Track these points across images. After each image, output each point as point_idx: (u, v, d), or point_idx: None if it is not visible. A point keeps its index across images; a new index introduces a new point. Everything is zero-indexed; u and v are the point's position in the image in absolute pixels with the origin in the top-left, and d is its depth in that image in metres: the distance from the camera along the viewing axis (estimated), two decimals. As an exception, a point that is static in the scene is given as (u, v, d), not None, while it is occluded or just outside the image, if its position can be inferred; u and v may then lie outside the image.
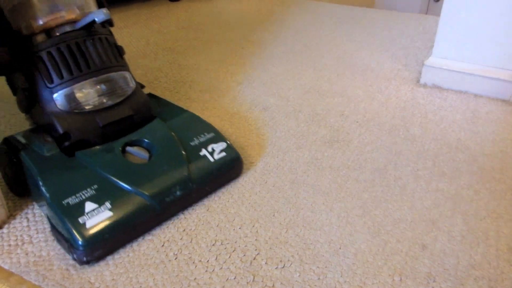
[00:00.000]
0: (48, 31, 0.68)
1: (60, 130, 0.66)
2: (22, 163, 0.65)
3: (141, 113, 0.74)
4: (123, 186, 0.62)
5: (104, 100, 0.69)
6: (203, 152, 0.71)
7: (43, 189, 0.60)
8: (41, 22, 0.67)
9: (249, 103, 1.02)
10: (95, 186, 0.61)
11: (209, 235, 0.64)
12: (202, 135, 0.74)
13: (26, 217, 0.67)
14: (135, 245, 0.62)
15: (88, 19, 0.67)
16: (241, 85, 1.11)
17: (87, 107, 0.68)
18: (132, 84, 0.74)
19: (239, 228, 0.65)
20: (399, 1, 2.31)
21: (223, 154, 0.72)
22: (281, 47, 1.37)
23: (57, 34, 0.68)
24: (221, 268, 0.58)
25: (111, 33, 0.76)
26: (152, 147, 0.69)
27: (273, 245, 0.62)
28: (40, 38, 0.68)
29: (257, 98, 1.04)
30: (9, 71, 0.69)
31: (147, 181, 0.64)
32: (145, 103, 0.75)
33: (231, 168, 0.74)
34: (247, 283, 0.56)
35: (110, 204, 0.60)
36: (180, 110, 0.81)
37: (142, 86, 0.78)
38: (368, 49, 1.35)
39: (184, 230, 0.64)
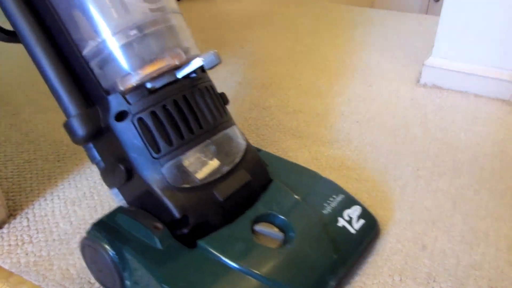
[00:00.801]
0: (145, 84, 0.52)
1: (176, 213, 0.50)
2: (125, 260, 0.49)
3: (258, 176, 0.59)
4: (269, 283, 0.48)
5: (219, 167, 0.54)
6: (341, 222, 0.57)
7: None
8: (141, 75, 0.51)
9: (249, 103, 1.02)
10: None
11: (209, 235, 0.63)
12: (332, 199, 0.60)
13: (26, 217, 0.67)
14: (135, 245, 0.62)
15: (194, 66, 0.53)
16: (241, 85, 1.11)
17: (201, 179, 0.53)
18: (243, 141, 0.59)
19: (239, 228, 0.65)
20: (399, 1, 2.31)
21: (362, 221, 0.59)
22: (281, 47, 1.37)
23: (158, 87, 0.52)
24: (221, 268, 0.58)
25: (209, 79, 0.60)
26: (283, 221, 0.55)
27: (273, 245, 0.62)
28: (139, 95, 0.51)
29: (257, 98, 1.04)
30: (99, 136, 0.53)
31: (296, 272, 0.50)
32: (259, 163, 0.61)
33: (373, 237, 0.61)
34: (247, 283, 0.56)
35: None
36: (293, 166, 0.67)
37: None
38: (368, 49, 1.35)
39: (184, 230, 0.64)
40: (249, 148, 0.59)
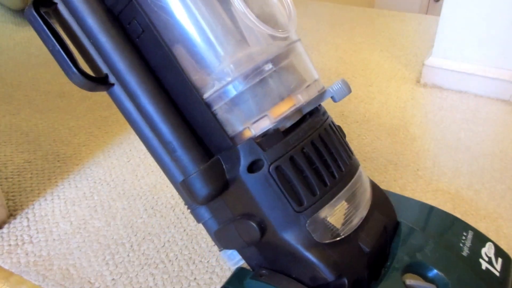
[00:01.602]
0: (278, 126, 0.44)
1: (330, 275, 0.42)
2: None
3: (390, 217, 0.51)
4: None
5: (357, 213, 0.46)
6: (483, 264, 0.50)
7: None
8: (275, 117, 0.43)
9: (249, 103, 1.02)
10: None
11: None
12: (463, 238, 0.52)
13: (26, 217, 0.67)
14: (135, 245, 0.62)
15: (325, 99, 0.47)
16: (241, 85, 1.11)
17: (342, 229, 0.44)
18: (367, 178, 0.51)
19: (239, 228, 0.65)
20: (399, 1, 2.31)
21: (500, 260, 0.51)
22: (281, 47, 1.37)
23: (287, 127, 0.44)
24: (222, 268, 0.58)
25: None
26: (433, 272, 0.48)
27: (273, 245, 0.62)
28: (273, 139, 0.43)
29: (257, 98, 1.04)
30: (221, 194, 0.44)
31: None
32: (387, 201, 0.52)
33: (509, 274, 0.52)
34: (247, 283, 0.56)
35: None
36: (409, 201, 0.59)
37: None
38: (368, 49, 1.35)
39: (184, 230, 0.64)
40: (374, 185, 0.51)
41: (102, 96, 1.05)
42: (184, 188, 0.43)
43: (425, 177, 0.76)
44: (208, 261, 0.59)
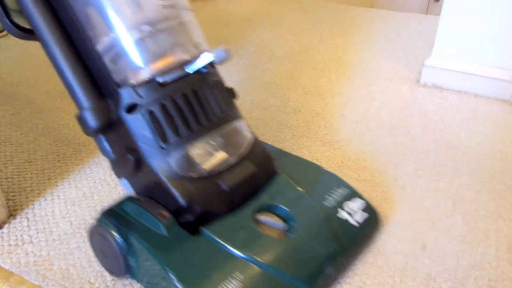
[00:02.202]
0: (157, 78, 0.55)
1: (182, 202, 0.53)
2: (131, 246, 0.52)
3: (264, 168, 0.61)
4: (270, 270, 0.50)
5: (225, 158, 0.56)
6: (342, 214, 0.59)
7: (177, 284, 0.47)
8: (151, 69, 0.54)
9: (249, 103, 1.02)
10: (238, 274, 0.49)
11: (209, 235, 0.63)
12: (333, 191, 0.61)
13: (26, 217, 0.67)
14: (135, 245, 0.62)
15: (204, 61, 0.56)
16: (241, 85, 1.11)
17: (208, 169, 0.55)
18: (249, 134, 0.62)
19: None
20: (399, 1, 2.31)
21: (366, 215, 0.61)
22: (281, 47, 1.37)
23: (169, 81, 0.55)
24: (221, 268, 0.58)
25: (219, 74, 0.63)
26: (285, 212, 0.57)
27: (273, 245, 0.62)
28: (149, 88, 0.54)
29: (257, 98, 1.04)
30: (110, 128, 0.55)
31: (297, 261, 0.52)
32: (265, 155, 0.63)
33: (374, 231, 0.63)
34: (247, 283, 0.56)
35: (240, 283, 0.48)
36: (297, 160, 0.69)
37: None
38: (368, 49, 1.35)
39: (184, 230, 0.64)
40: (257, 142, 0.62)
41: (102, 96, 1.05)
42: (79, 120, 0.55)
43: (425, 177, 0.76)
44: (208, 261, 0.59)
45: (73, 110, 0.98)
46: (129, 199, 0.56)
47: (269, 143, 0.86)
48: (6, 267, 0.58)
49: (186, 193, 0.53)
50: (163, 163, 0.53)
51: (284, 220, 0.57)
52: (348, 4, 1.84)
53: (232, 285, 0.48)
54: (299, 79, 1.15)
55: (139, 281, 0.55)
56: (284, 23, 1.61)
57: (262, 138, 0.88)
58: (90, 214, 0.68)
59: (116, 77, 0.54)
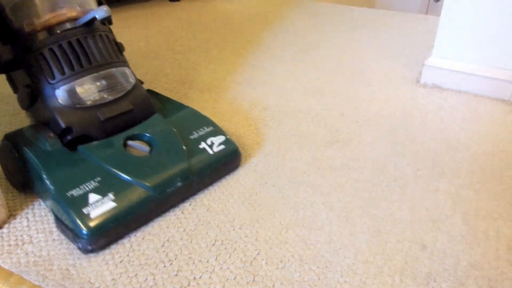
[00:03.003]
0: (49, 28, 0.69)
1: (62, 125, 0.67)
2: (25, 159, 0.66)
3: (141, 108, 0.75)
4: (125, 178, 0.64)
5: (105, 95, 0.71)
6: (203, 145, 0.74)
7: (48, 182, 0.62)
8: (42, 20, 0.68)
9: (249, 103, 1.02)
10: (98, 179, 0.63)
11: (209, 235, 0.64)
12: (201, 129, 0.77)
13: (26, 217, 0.67)
14: (135, 245, 0.62)
15: (88, 16, 0.69)
16: (241, 85, 1.11)
17: (88, 102, 0.69)
18: (132, 80, 0.76)
19: (239, 228, 0.65)
20: (399, 1, 2.31)
21: (222, 147, 0.75)
22: (281, 47, 1.37)
23: (58, 31, 0.69)
24: (221, 268, 0.58)
25: (110, 31, 0.78)
26: (153, 141, 0.72)
27: (273, 245, 0.62)
28: (41, 35, 0.69)
29: (257, 98, 1.04)
30: (11, 69, 0.71)
31: (148, 173, 0.66)
32: (145, 98, 0.77)
33: (229, 160, 0.77)
34: (247, 283, 0.56)
35: (113, 195, 0.62)
36: (180, 106, 0.84)
37: (142, 82, 0.80)
38: (368, 49, 1.35)
39: (184, 230, 0.64)
40: (138, 87, 0.77)
41: (102, 96, 1.05)
42: None
43: (425, 177, 0.76)
44: (208, 261, 0.59)
45: (73, 110, 0.98)
46: (29, 126, 0.71)
47: (269, 142, 0.86)
48: (6, 267, 0.58)
49: (66, 119, 0.67)
50: (51, 96, 0.68)
51: (149, 145, 0.71)
52: (348, 4, 1.84)
53: (91, 185, 0.62)
54: (299, 79, 1.15)
55: (37, 193, 0.70)
56: (284, 23, 1.61)
57: (262, 137, 0.88)
58: (90, 214, 0.68)
59: (15, 26, 0.69)
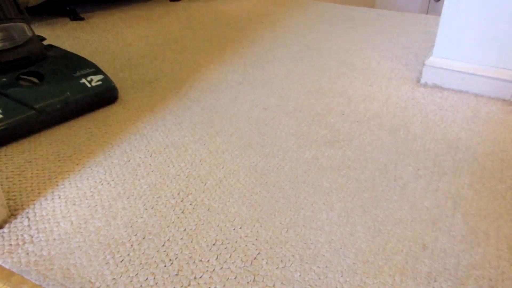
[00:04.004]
0: None
1: None
2: None
3: (36, 55, 0.98)
4: (15, 99, 0.86)
5: (5, 44, 0.92)
6: (83, 80, 0.97)
7: None
8: None
9: (249, 103, 1.02)
10: None
11: (209, 234, 0.64)
12: (84, 70, 1.00)
13: (27, 217, 0.67)
14: (135, 244, 0.62)
15: None
16: (241, 85, 1.11)
17: None
18: (29, 34, 0.98)
19: (240, 228, 0.65)
20: (399, 1, 2.31)
21: (100, 83, 0.98)
22: (281, 47, 1.37)
23: None
24: (222, 267, 0.58)
25: None
26: (41, 76, 0.95)
27: (273, 244, 0.62)
28: None
29: (257, 98, 1.04)
30: None
31: (34, 97, 0.88)
32: (40, 48, 1.01)
33: (105, 93, 0.99)
34: (248, 282, 0.56)
35: (1, 111, 0.83)
36: (71, 54, 1.08)
37: (43, 39, 1.00)
38: (368, 49, 1.35)
39: (184, 230, 0.64)
40: (34, 40, 0.99)
41: (102, 96, 1.05)
42: None
43: (425, 177, 0.76)
44: (208, 261, 0.59)
45: (74, 110, 0.98)
46: None
47: (269, 142, 0.86)
48: (7, 267, 0.58)
49: None
50: None
51: (39, 79, 0.94)
52: (348, 4, 1.84)
53: None
54: (299, 79, 1.15)
55: None
56: (284, 23, 1.61)
57: (262, 137, 0.88)
58: (90, 213, 0.68)
59: None
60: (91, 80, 0.97)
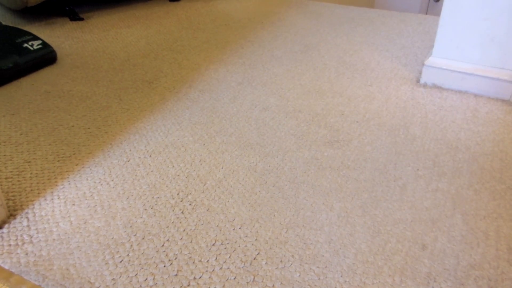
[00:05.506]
0: None
1: None
2: None
3: None
4: None
5: None
6: (25, 45, 1.19)
7: None
8: None
9: (249, 103, 1.02)
10: None
11: (209, 235, 0.64)
12: (23, 37, 1.21)
13: (27, 217, 0.67)
14: (135, 244, 0.62)
15: None
16: (241, 85, 1.11)
17: None
18: None
19: (239, 228, 0.65)
20: (399, 1, 2.31)
21: (40, 46, 1.21)
22: (281, 47, 1.37)
23: None
24: (221, 268, 0.58)
25: None
26: None
27: (273, 245, 0.62)
28: None
29: (257, 98, 1.04)
30: None
31: None
32: None
33: (46, 55, 1.21)
34: (247, 283, 0.56)
35: None
36: (6, 26, 1.27)
37: None
38: (368, 49, 1.35)
39: (184, 230, 0.64)
40: None
41: (101, 96, 1.05)
42: None
43: (425, 177, 0.76)
44: (207, 261, 0.59)
45: (73, 110, 0.98)
46: None
47: (269, 142, 0.86)
48: (6, 267, 0.58)
49: None
50: None
51: None
52: (348, 4, 1.84)
53: None
54: (299, 79, 1.15)
55: None
56: (284, 23, 1.61)
57: (262, 137, 0.88)
58: (90, 214, 0.68)
59: None
60: (32, 44, 1.19)
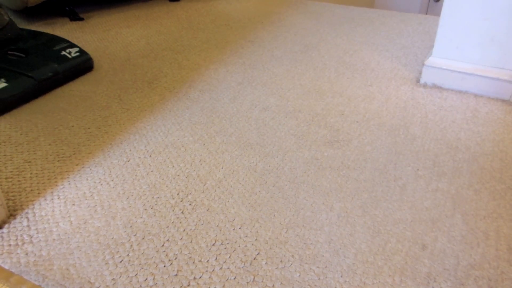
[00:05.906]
0: None
1: None
2: None
3: (16, 36, 1.18)
4: (12, 70, 1.03)
5: None
6: (63, 53, 1.16)
7: None
8: None
9: (249, 103, 1.02)
10: None
11: (209, 235, 0.64)
12: (61, 44, 1.20)
13: (27, 217, 0.67)
14: (135, 244, 0.62)
15: None
16: (241, 85, 1.11)
17: None
18: (7, 18, 1.18)
19: (239, 228, 0.65)
20: (399, 1, 2.31)
21: (78, 54, 1.18)
22: (281, 47, 1.37)
23: None
24: (221, 268, 0.58)
25: None
26: (26, 50, 1.14)
27: (273, 245, 0.62)
28: None
29: (257, 98, 1.04)
30: None
31: (27, 68, 1.05)
32: (17, 29, 1.21)
33: (84, 63, 1.18)
34: (247, 283, 0.56)
35: (5, 80, 0.99)
36: (43, 33, 1.27)
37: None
38: (368, 49, 1.35)
39: (184, 230, 0.64)
40: (11, 22, 1.19)
41: (101, 96, 1.05)
42: None
43: (425, 177, 0.76)
44: (208, 261, 0.59)
45: (73, 110, 0.98)
46: None
47: (269, 142, 0.86)
48: (6, 267, 0.58)
49: None
50: None
51: (25, 53, 1.12)
52: (348, 4, 1.84)
53: None
54: (299, 79, 1.15)
55: None
56: (284, 23, 1.61)
57: (262, 137, 0.88)
58: (90, 214, 0.68)
59: None
60: (70, 52, 1.17)
